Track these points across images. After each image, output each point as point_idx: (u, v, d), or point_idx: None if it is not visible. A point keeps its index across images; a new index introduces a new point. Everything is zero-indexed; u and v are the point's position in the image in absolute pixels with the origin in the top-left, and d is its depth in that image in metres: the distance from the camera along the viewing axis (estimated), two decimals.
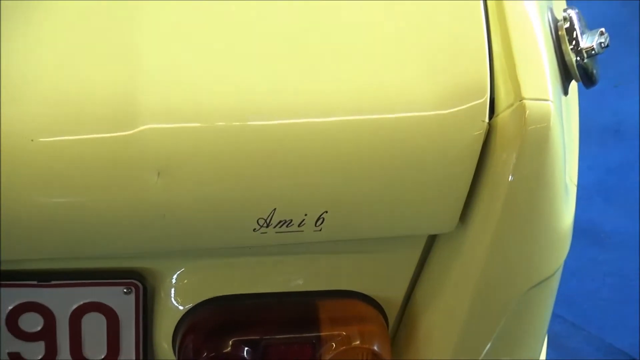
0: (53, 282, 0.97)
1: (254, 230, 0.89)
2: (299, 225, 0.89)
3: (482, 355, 1.02)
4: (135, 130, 0.84)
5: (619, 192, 2.52)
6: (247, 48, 0.89)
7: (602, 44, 0.97)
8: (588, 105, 1.72)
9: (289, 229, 0.89)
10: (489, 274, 0.95)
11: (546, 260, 0.98)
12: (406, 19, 0.92)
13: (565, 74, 0.97)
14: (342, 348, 0.98)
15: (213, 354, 0.97)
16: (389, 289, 1.02)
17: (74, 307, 0.98)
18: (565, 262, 1.04)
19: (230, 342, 0.97)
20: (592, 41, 0.97)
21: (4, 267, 0.95)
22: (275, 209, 0.88)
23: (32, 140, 0.83)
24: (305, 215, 0.88)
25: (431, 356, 1.03)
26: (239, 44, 0.89)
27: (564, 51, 0.97)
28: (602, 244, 2.36)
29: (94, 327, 0.99)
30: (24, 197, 0.85)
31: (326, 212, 0.88)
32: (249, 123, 0.85)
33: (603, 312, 2.22)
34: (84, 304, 0.98)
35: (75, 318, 0.99)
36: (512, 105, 0.87)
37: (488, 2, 0.94)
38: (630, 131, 2.69)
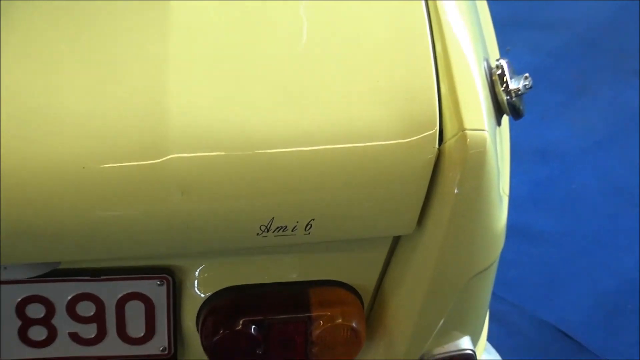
0: (102, 277, 0.97)
1: (257, 234, 0.89)
2: (292, 230, 0.89)
3: (437, 328, 1.02)
4: (164, 158, 0.84)
5: (545, 200, 2.52)
6: (247, 91, 0.89)
7: (527, 86, 0.97)
8: (520, 133, 1.72)
9: (284, 233, 0.89)
10: (440, 265, 0.95)
11: (485, 254, 0.98)
12: (370, 72, 0.91)
13: (498, 110, 0.97)
14: (328, 325, 0.98)
15: (228, 330, 0.97)
16: (364, 279, 1.02)
17: (119, 296, 0.98)
18: (505, 255, 1.03)
19: (241, 322, 0.97)
20: (519, 84, 0.97)
21: (64, 267, 0.95)
22: (273, 218, 0.88)
23: (83, 167, 0.84)
24: (297, 222, 0.88)
25: (397, 331, 1.03)
26: (242, 87, 0.89)
27: (496, 92, 0.97)
28: (533, 240, 2.36)
29: (135, 312, 0.99)
30: (79, 212, 0.85)
31: (313, 219, 0.88)
32: (253, 152, 0.85)
33: (535, 294, 2.21)
34: (127, 294, 0.98)
35: (120, 305, 0.99)
36: (456, 134, 0.87)
37: (437, 55, 0.93)
38: (553, 153, 2.69)
